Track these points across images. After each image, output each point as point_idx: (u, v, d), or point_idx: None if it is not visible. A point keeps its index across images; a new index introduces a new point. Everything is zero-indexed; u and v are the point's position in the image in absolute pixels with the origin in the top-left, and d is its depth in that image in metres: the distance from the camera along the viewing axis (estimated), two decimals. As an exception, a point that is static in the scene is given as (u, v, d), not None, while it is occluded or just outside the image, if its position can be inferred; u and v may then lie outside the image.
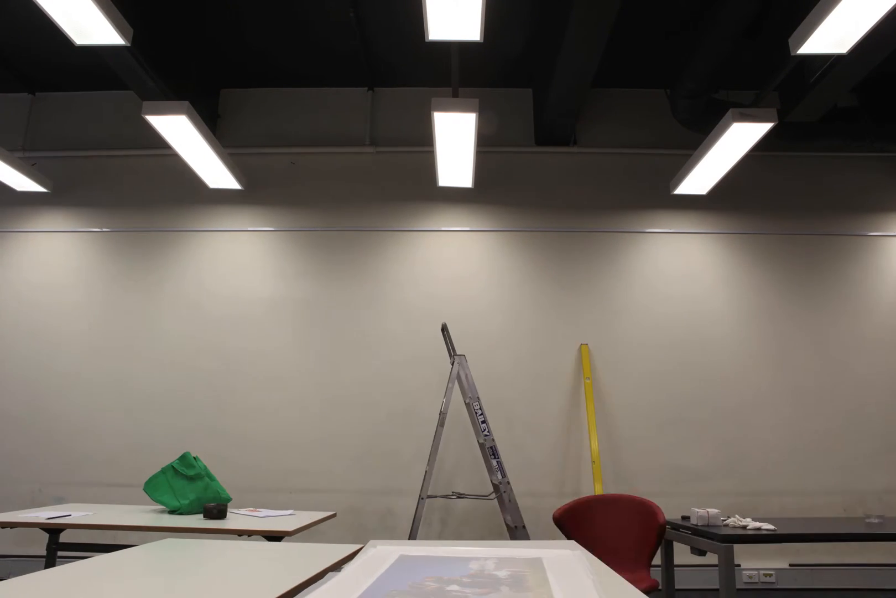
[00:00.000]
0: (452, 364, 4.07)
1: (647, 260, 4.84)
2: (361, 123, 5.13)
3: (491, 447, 3.93)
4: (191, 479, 2.91)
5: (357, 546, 2.02)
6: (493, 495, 3.93)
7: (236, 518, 2.74)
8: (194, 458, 3.04)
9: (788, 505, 4.37)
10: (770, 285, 4.77)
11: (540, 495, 4.35)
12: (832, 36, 2.86)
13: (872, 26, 2.80)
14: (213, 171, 4.47)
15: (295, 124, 5.16)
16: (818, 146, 4.63)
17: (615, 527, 3.02)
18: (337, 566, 1.71)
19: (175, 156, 4.26)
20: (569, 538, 3.01)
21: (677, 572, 3.08)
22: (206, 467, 3.04)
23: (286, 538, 2.43)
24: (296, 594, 1.35)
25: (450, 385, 4.02)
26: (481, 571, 1.35)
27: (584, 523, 3.09)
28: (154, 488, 2.93)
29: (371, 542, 1.98)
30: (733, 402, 4.55)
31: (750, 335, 4.68)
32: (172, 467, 2.98)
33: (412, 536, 3.78)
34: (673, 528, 2.74)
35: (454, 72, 3.44)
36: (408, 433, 4.50)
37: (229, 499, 3.02)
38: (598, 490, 4.12)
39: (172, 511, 2.88)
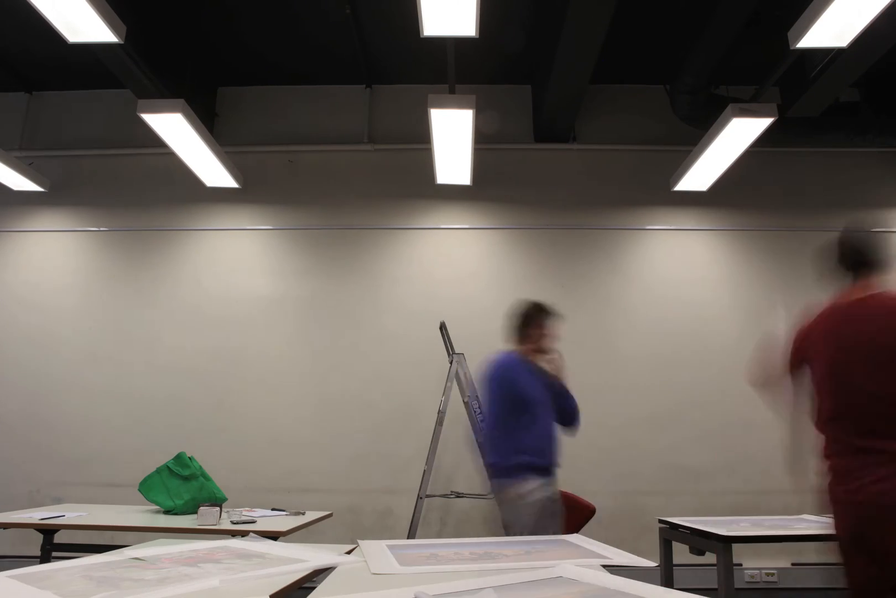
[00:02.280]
0: (451, 363, 4.05)
1: (647, 257, 4.80)
2: (359, 120, 5.10)
3: (490, 446, 3.89)
4: (185, 479, 2.89)
5: (350, 546, 2.00)
6: (492, 495, 3.90)
7: (231, 518, 2.72)
8: (189, 458, 3.02)
9: (791, 504, 4.33)
10: (771, 282, 4.73)
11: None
12: (831, 29, 2.83)
13: (872, 19, 2.76)
14: (211, 169, 4.46)
15: (293, 122, 5.13)
16: (820, 142, 4.59)
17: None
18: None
19: (172, 155, 4.25)
20: None
21: (676, 571, 3.05)
22: (201, 468, 3.02)
23: (281, 538, 2.41)
24: (286, 594, 1.33)
25: (448, 384, 4.00)
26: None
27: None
28: (148, 488, 2.92)
29: (363, 543, 1.95)
30: (734, 400, 4.50)
31: (750, 333, 4.63)
32: (167, 467, 2.96)
33: (411, 535, 3.76)
34: (672, 527, 2.72)
35: (450, 68, 3.42)
36: (406, 432, 4.48)
37: (225, 499, 3.00)
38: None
39: (167, 511, 2.87)
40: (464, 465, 4.42)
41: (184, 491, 2.87)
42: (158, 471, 2.95)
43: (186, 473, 2.90)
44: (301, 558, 1.60)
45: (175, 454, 3.06)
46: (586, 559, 1.48)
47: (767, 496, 4.33)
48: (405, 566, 1.50)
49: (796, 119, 4.51)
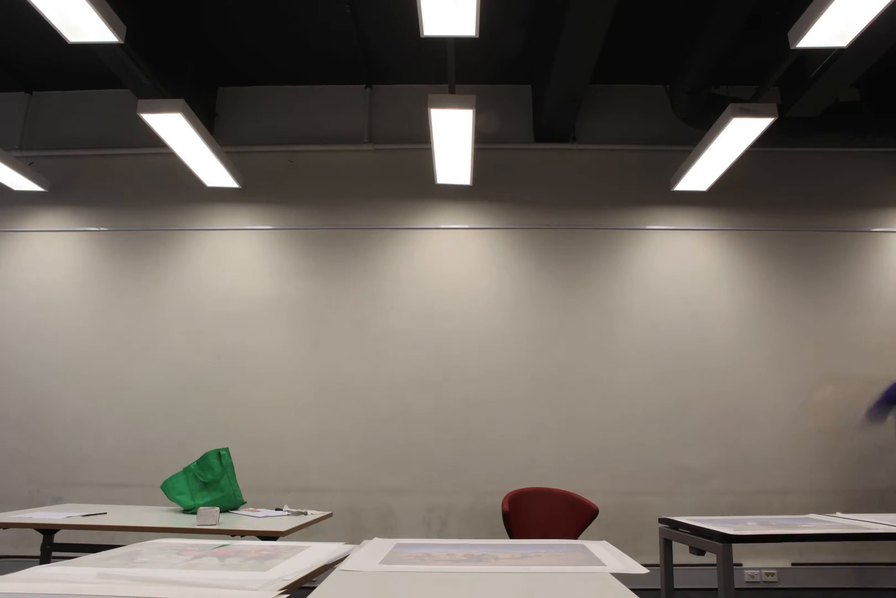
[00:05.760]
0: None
1: (647, 257, 4.80)
2: (359, 120, 5.11)
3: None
4: (205, 485, 2.90)
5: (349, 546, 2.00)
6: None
7: (233, 518, 2.72)
8: (220, 455, 2.99)
9: (790, 504, 4.33)
10: (771, 282, 4.73)
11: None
12: (831, 29, 2.82)
13: (872, 19, 2.76)
14: (211, 169, 4.45)
15: (293, 122, 5.13)
16: (820, 141, 4.59)
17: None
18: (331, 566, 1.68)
19: (172, 155, 4.25)
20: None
21: (676, 571, 3.04)
22: (231, 464, 3.00)
23: (280, 538, 2.41)
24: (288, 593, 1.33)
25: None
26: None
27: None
28: (171, 487, 2.93)
29: (374, 540, 1.96)
30: (734, 400, 4.51)
31: (750, 332, 4.64)
32: (192, 469, 2.98)
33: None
34: (672, 527, 2.71)
35: (450, 68, 3.42)
36: (407, 432, 4.48)
37: (243, 502, 3.03)
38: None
39: (186, 510, 2.89)
40: (465, 465, 4.42)
41: (205, 493, 2.90)
42: (185, 471, 2.97)
43: (208, 478, 2.91)
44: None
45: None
46: (580, 567, 1.47)
47: (767, 496, 4.33)
48: (388, 564, 1.50)
49: (796, 119, 4.52)
